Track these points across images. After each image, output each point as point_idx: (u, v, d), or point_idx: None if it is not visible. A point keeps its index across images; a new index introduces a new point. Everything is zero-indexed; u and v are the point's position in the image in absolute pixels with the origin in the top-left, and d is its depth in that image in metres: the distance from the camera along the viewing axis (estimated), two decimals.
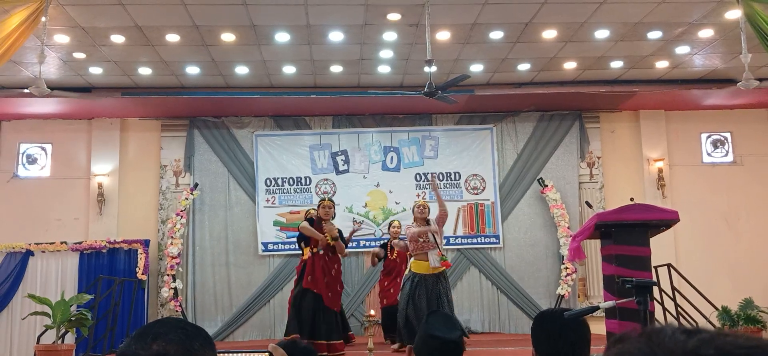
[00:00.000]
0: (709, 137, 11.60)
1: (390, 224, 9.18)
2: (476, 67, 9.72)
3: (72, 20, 7.91)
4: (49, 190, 11.00)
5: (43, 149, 11.20)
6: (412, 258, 7.66)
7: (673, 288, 8.99)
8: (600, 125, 11.41)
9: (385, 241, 9.27)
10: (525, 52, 9.24)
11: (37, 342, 8.32)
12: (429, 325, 2.54)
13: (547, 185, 10.95)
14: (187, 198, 10.75)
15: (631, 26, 8.45)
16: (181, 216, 10.64)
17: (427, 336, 2.51)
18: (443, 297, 7.43)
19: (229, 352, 8.33)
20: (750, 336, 0.72)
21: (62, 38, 8.41)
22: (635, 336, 0.77)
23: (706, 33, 8.69)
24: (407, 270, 7.76)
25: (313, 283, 7.61)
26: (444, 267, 7.56)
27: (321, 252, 7.70)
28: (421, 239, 7.51)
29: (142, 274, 10.16)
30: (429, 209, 7.79)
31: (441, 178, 11.12)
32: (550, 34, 8.64)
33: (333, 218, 7.97)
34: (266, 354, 2.32)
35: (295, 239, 8.75)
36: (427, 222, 7.62)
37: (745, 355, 0.70)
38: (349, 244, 10.96)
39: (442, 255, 7.57)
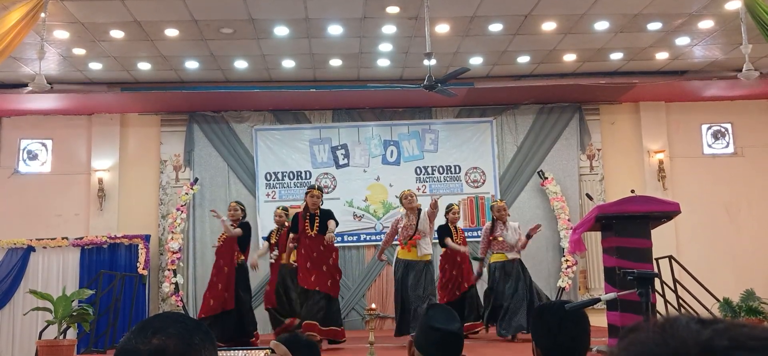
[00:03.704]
0: (709, 128, 11.57)
1: (449, 210, 8.57)
2: (476, 60, 9.70)
3: (71, 16, 7.89)
4: (50, 186, 11.00)
5: (44, 144, 11.20)
6: (398, 246, 7.94)
7: (675, 280, 8.98)
8: (600, 117, 11.39)
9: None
10: (524, 44, 9.22)
11: (39, 337, 8.31)
12: (429, 317, 2.54)
13: (547, 178, 10.94)
14: (187, 193, 10.74)
15: (631, 17, 8.42)
16: (182, 211, 10.65)
17: (428, 327, 2.51)
18: (430, 284, 7.73)
19: (229, 348, 8.31)
20: (765, 327, 0.71)
21: (62, 34, 8.39)
22: (649, 326, 0.76)
23: (706, 24, 8.67)
24: (395, 257, 8.08)
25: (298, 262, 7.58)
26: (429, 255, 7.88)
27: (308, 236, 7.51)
28: (411, 231, 7.76)
29: (143, 269, 10.17)
30: (416, 197, 7.98)
31: (441, 171, 11.13)
32: (549, 26, 8.62)
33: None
34: (268, 350, 2.32)
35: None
36: (418, 212, 7.78)
37: (759, 346, 0.69)
38: (350, 238, 10.94)
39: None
